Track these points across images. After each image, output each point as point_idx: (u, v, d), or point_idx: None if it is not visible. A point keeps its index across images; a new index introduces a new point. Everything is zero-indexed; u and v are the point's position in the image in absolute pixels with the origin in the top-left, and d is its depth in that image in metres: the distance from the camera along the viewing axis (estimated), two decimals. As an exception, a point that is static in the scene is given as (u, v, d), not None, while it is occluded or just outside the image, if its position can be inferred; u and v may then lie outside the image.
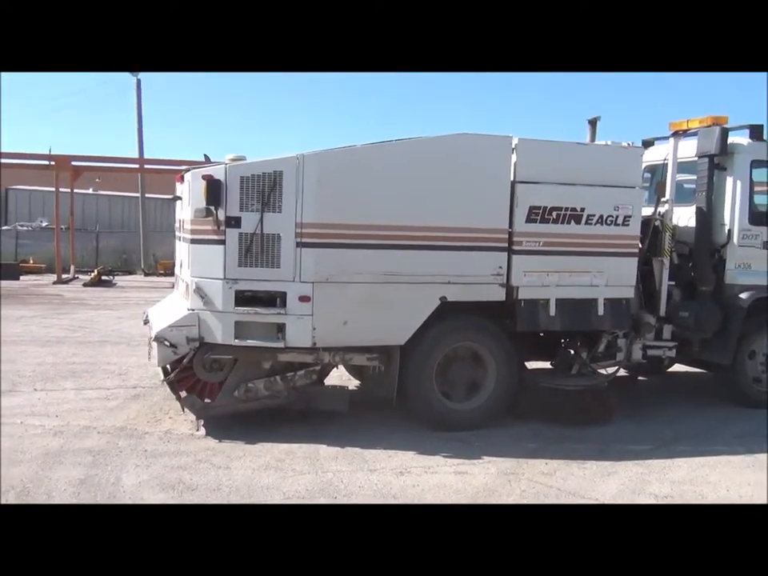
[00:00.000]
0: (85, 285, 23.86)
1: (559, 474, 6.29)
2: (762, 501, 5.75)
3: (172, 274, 28.37)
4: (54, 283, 24.26)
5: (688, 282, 8.37)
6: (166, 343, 6.77)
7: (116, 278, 26.32)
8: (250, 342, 6.83)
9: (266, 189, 6.67)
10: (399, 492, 5.77)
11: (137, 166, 28.25)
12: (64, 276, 25.23)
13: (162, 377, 7.31)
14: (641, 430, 7.62)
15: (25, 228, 32.54)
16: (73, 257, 26.73)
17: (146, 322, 8.01)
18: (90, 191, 35.82)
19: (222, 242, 6.74)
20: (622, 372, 8.58)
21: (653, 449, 7.01)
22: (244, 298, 6.81)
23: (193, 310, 6.89)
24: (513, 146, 7.21)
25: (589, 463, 6.54)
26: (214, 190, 6.64)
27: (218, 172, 6.74)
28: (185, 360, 6.87)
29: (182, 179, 7.50)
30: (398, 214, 6.96)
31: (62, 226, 26.79)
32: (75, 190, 27.22)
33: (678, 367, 9.72)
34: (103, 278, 25.14)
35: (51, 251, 27.76)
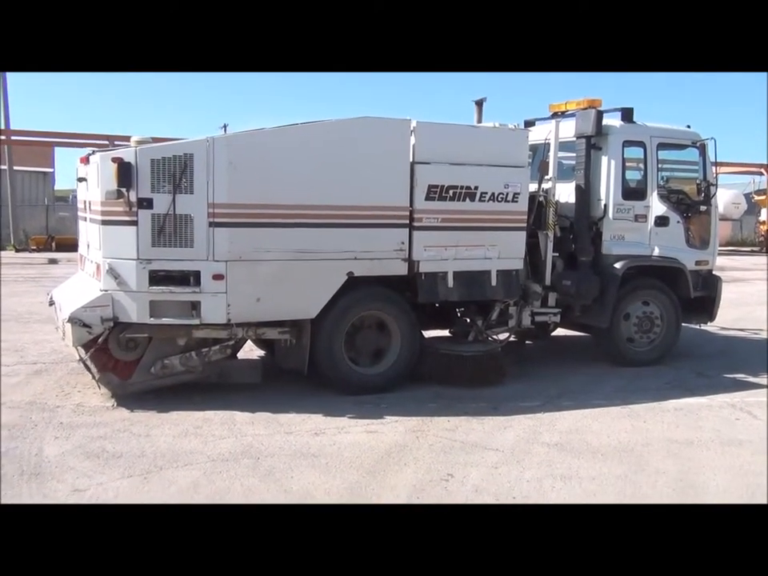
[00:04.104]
0: (-49, 262, 22.64)
1: (461, 429, 6.76)
2: (636, 444, 6.43)
3: (45, 250, 27.45)
4: None
5: (569, 253, 9.01)
6: (80, 324, 6.81)
7: (-15, 254, 25.11)
8: (166, 320, 6.98)
9: (177, 171, 6.77)
10: (318, 451, 6.09)
11: (3, 137, 26.82)
12: (-73, 253, 23.83)
13: (77, 356, 7.34)
14: (529, 389, 8.18)
15: None
16: (-64, 233, 25.26)
17: (52, 303, 7.98)
18: (-51, 163, 33.67)
19: (135, 223, 6.82)
20: (512, 337, 9.17)
21: (541, 404, 7.56)
22: (158, 278, 6.92)
23: (106, 290, 6.96)
24: (411, 128, 7.59)
25: (486, 419, 7.03)
26: (125, 172, 6.69)
27: (128, 155, 6.79)
28: (100, 339, 6.94)
29: (86, 161, 7.46)
30: (307, 194, 7.22)
31: None
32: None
33: (560, 331, 10.44)
34: (-29, 254, 23.94)
35: None
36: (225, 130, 8.09)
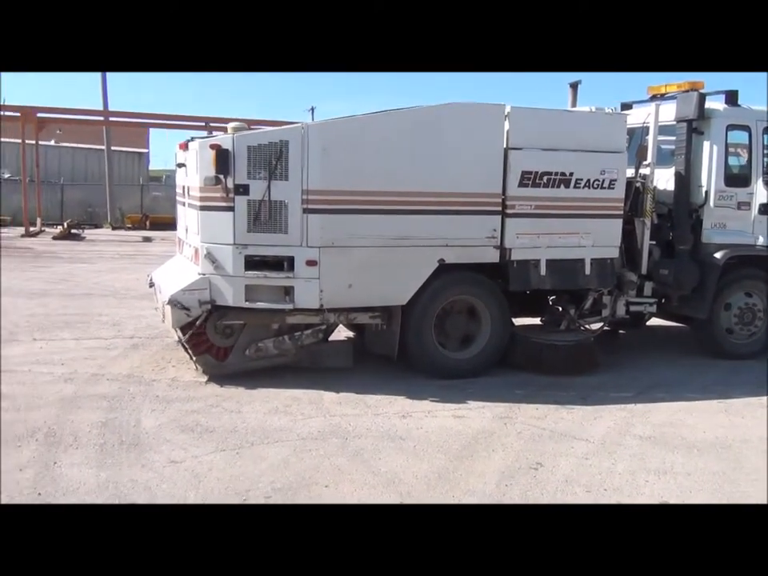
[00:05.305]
0: (54, 238, 23.70)
1: (550, 417, 6.70)
2: (734, 440, 6.23)
3: (139, 228, 28.48)
4: (23, 236, 24.04)
5: (667, 242, 8.75)
6: (179, 306, 7.03)
7: (84, 231, 26.18)
8: (260, 305, 7.13)
9: (272, 157, 6.89)
10: (405, 433, 6.16)
11: (102, 118, 27.78)
12: (31, 229, 25.00)
13: (176, 338, 7.60)
14: (621, 379, 8.02)
15: (-13, 180, 31.92)
16: (39, 210, 26.43)
17: (151, 285, 8.27)
18: (52, 143, 35.14)
19: (231, 209, 6.98)
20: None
21: (633, 396, 7.41)
22: (253, 263, 7.08)
23: (204, 274, 7.16)
24: (506, 113, 7.49)
25: (576, 408, 6.95)
26: (223, 159, 6.85)
27: (225, 142, 6.94)
28: (197, 322, 7.15)
29: (185, 147, 7.65)
30: (399, 181, 7.24)
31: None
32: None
33: (655, 320, 10.11)
34: (72, 231, 24.98)
35: (15, 203, 27.33)
36: (312, 113, 8.19)
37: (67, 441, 5.73)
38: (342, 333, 9.01)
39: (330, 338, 8.04)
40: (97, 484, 4.98)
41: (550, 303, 8.62)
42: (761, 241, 8.91)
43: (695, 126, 8.62)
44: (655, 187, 8.54)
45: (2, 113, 24.50)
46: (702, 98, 8.52)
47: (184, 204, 7.98)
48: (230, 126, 7.32)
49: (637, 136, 8.88)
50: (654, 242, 8.64)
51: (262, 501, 4.85)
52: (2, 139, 29.75)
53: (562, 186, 7.73)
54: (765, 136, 8.87)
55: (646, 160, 8.43)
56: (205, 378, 7.39)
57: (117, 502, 4.76)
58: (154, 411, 6.48)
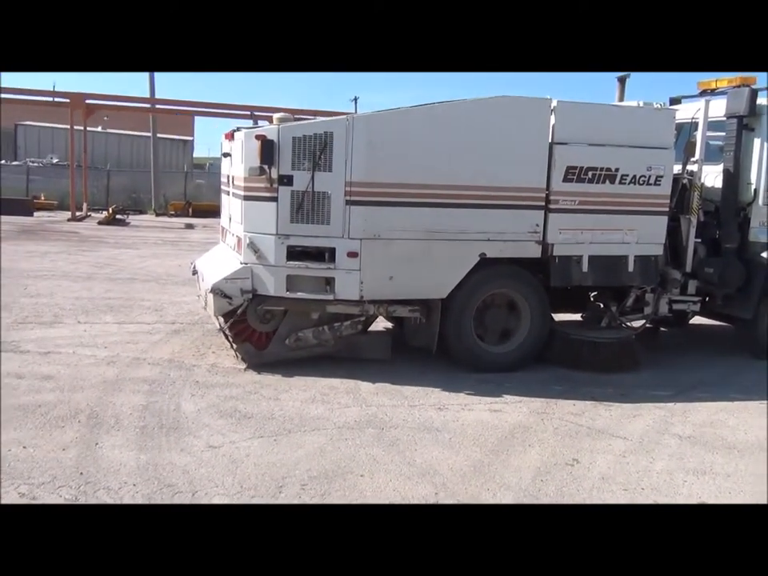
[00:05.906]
0: (99, 223, 24.11)
1: (587, 414, 6.65)
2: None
3: (182, 215, 28.82)
4: (69, 220, 24.51)
5: (712, 239, 8.60)
6: (222, 294, 7.12)
7: (129, 217, 26.57)
8: (301, 295, 7.19)
9: (317, 149, 6.93)
10: (441, 426, 6.17)
11: (149, 105, 28.14)
12: (77, 213, 25.47)
13: (218, 325, 7.70)
14: (661, 377, 7.93)
15: (35, 164, 32.60)
16: (86, 195, 26.90)
17: (195, 272, 8.39)
18: (99, 129, 35.75)
19: (275, 200, 7.03)
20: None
21: (673, 394, 7.32)
22: (295, 253, 7.13)
23: (246, 263, 7.24)
24: (552, 107, 7.41)
25: (614, 405, 6.89)
26: (268, 150, 6.90)
27: (271, 132, 6.99)
28: (239, 311, 7.23)
29: (231, 137, 7.73)
30: (442, 174, 7.22)
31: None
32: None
33: (698, 319, 9.95)
34: (117, 216, 25.37)
35: (62, 188, 27.87)
36: (355, 103, 8.18)
37: (109, 423, 5.85)
38: (380, 324, 9.05)
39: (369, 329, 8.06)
40: (137, 466, 5.08)
41: (592, 299, 8.55)
42: None
43: (746, 122, 8.43)
44: (702, 184, 8.38)
45: (52, 99, 25.01)
46: (754, 93, 8.32)
47: (228, 193, 8.06)
48: (275, 116, 7.36)
49: (685, 131, 8.73)
50: (699, 240, 8.50)
51: (297, 488, 4.90)
52: (52, 125, 30.35)
53: (607, 181, 7.63)
54: None
55: (693, 156, 8.28)
56: (244, 365, 7.47)
57: (156, 484, 4.84)
58: (193, 396, 6.57)
